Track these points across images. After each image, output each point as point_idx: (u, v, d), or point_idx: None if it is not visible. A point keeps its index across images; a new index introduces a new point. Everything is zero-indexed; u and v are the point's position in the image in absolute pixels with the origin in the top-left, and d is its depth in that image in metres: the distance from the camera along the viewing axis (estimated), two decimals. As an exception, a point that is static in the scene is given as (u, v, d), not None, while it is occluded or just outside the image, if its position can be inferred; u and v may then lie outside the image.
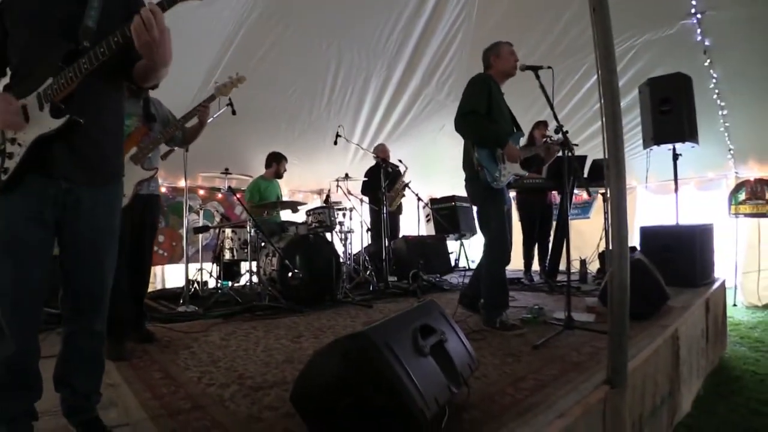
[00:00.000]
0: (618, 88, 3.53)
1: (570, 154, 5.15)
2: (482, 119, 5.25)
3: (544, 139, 7.63)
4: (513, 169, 5.36)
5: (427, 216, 11.88)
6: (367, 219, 10.15)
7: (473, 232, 11.61)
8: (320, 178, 12.56)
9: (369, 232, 9.81)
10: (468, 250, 11.33)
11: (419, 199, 10.49)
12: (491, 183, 5.22)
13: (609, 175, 3.38)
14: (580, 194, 11.86)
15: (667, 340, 4.59)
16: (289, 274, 6.74)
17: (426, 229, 11.96)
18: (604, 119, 3.46)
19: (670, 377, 4.57)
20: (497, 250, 5.31)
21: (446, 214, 11.34)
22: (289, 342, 4.97)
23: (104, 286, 2.74)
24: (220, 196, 11.33)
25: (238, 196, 7.55)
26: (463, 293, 5.78)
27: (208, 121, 5.17)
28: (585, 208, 12.58)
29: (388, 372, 2.28)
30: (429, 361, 2.58)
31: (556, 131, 5.02)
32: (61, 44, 2.50)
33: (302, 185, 12.60)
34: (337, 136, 8.67)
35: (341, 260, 7.72)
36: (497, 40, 5.73)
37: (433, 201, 11.72)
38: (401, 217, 11.05)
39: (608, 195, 3.41)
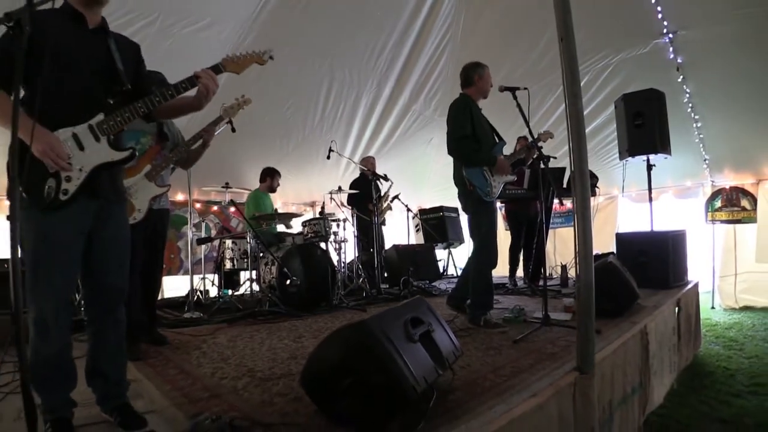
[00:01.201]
0: (582, 108, 3.97)
1: (544, 166, 5.59)
2: (471, 144, 5.77)
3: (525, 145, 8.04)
4: (503, 179, 5.86)
5: (416, 226, 12.16)
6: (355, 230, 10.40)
7: (461, 241, 11.97)
8: (312, 191, 12.94)
9: (359, 243, 10.12)
10: (455, 258, 11.73)
11: (409, 210, 10.87)
12: (484, 197, 5.72)
13: (575, 186, 3.83)
14: (564, 204, 12.26)
15: (636, 334, 5.00)
16: (288, 282, 7.11)
17: (415, 239, 12.26)
18: (569, 136, 3.89)
19: (640, 369, 4.98)
20: (486, 255, 5.79)
21: (435, 224, 11.68)
22: (291, 342, 5.34)
23: (126, 283, 3.19)
24: (215, 209, 11.67)
25: (233, 209, 7.88)
26: (451, 295, 6.23)
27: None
28: (568, 217, 12.89)
29: (384, 354, 2.68)
30: (418, 347, 2.99)
31: (531, 146, 5.50)
32: (105, 84, 2.97)
33: (296, 198, 12.91)
34: (330, 150, 9.05)
35: (336, 268, 8.03)
36: (479, 61, 6.22)
37: (422, 212, 12.02)
38: (385, 228, 11.07)
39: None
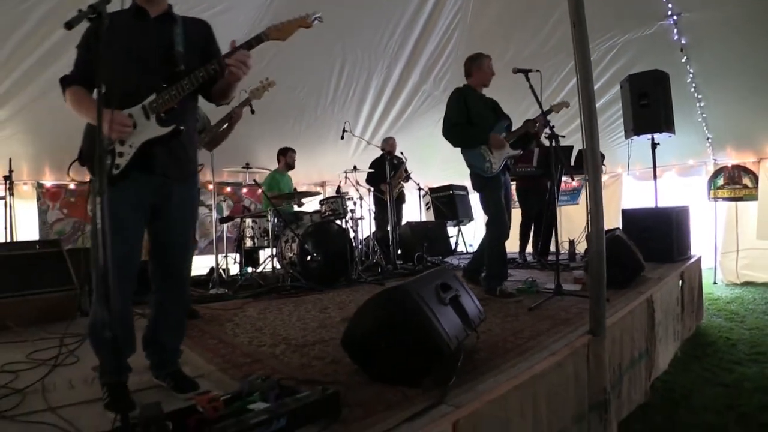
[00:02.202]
0: (593, 90, 4.20)
1: (556, 144, 5.91)
2: (462, 127, 6.29)
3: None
4: (503, 154, 6.22)
5: (427, 204, 12.34)
6: (373, 207, 10.67)
7: (470, 218, 12.15)
8: (323, 171, 13.19)
9: (375, 219, 10.37)
10: (465, 235, 11.99)
11: (420, 188, 11.12)
12: (484, 174, 6.13)
13: (587, 164, 4.12)
14: (570, 182, 12.49)
15: (643, 303, 5.28)
16: (308, 258, 7.36)
17: (426, 216, 12.44)
18: (582, 117, 4.14)
19: (647, 336, 5.27)
20: (497, 228, 6.18)
21: (445, 202, 11.87)
22: (318, 313, 5.61)
23: (189, 262, 3.48)
24: (228, 190, 11.93)
25: (245, 190, 8.08)
26: (466, 269, 6.59)
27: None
28: (574, 195, 13.10)
29: (421, 315, 2.97)
30: (449, 309, 3.28)
31: (544, 126, 5.80)
32: (160, 67, 3.21)
33: (306, 178, 13.14)
34: (344, 131, 9.29)
35: (353, 245, 8.28)
36: (479, 53, 6.68)
37: (432, 190, 12.21)
38: (404, 205, 11.55)
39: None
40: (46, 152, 9.24)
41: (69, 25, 2.38)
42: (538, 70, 5.91)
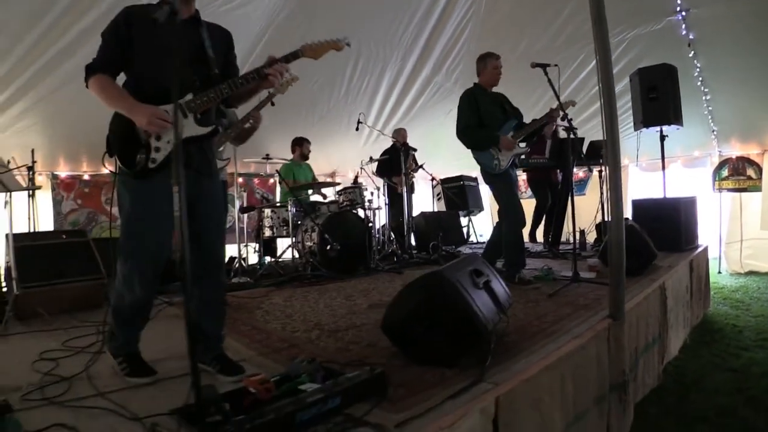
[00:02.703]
0: (614, 85, 4.43)
1: (574, 136, 6.12)
2: (474, 129, 6.58)
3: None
4: (511, 152, 6.52)
5: (438, 194, 12.47)
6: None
7: (480, 208, 12.33)
8: (332, 161, 13.36)
9: (389, 209, 10.41)
10: (475, 225, 12.16)
11: (433, 179, 11.29)
12: (493, 171, 6.49)
13: (607, 155, 4.31)
14: (577, 173, 12.65)
15: (656, 290, 5.47)
16: (328, 247, 7.48)
17: (437, 206, 12.59)
18: (603, 113, 4.35)
19: (659, 321, 5.47)
20: (512, 217, 6.48)
21: (456, 192, 12.02)
22: (344, 300, 5.77)
23: (224, 249, 3.73)
24: (240, 180, 12.10)
25: (257, 181, 8.20)
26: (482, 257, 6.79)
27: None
28: (581, 186, 13.25)
29: (460, 298, 3.15)
30: (483, 293, 3.46)
31: (562, 119, 6.01)
32: (192, 67, 3.42)
33: (317, 169, 13.12)
34: (359, 122, 9.46)
35: (372, 234, 8.43)
36: (488, 52, 6.94)
37: (443, 180, 12.32)
38: (414, 195, 11.49)
39: (606, 172, 4.33)
40: (60, 143, 9.38)
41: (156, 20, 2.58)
42: (556, 65, 6.09)
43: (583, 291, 5.50)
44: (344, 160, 12.89)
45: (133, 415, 2.64)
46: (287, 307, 5.52)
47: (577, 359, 3.56)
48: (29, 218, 8.17)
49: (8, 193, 6.16)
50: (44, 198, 9.70)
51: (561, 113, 6.57)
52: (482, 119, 6.60)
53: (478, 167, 6.75)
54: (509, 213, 6.54)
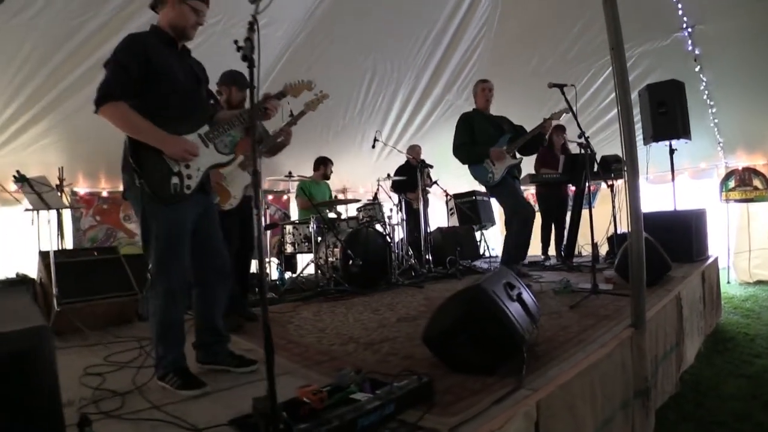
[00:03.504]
0: (631, 103, 4.65)
1: (591, 152, 6.36)
2: (466, 147, 7.40)
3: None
4: (505, 164, 7.21)
5: (450, 209, 12.63)
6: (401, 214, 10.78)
7: (492, 222, 12.45)
8: (343, 178, 13.53)
9: (407, 226, 10.51)
10: (488, 239, 12.29)
11: (447, 194, 11.47)
12: (489, 183, 7.23)
13: (627, 171, 4.56)
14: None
15: (672, 300, 5.62)
16: (350, 262, 7.64)
17: (450, 221, 12.71)
18: (621, 130, 4.60)
19: (676, 330, 5.63)
20: (522, 214, 7.31)
21: (468, 207, 12.04)
22: (372, 314, 5.89)
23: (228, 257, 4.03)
24: (270, 198, 12.21)
25: (270, 197, 8.44)
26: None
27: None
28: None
29: (498, 310, 3.34)
30: (517, 305, 3.64)
31: (579, 136, 6.24)
32: (200, 98, 3.85)
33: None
34: (375, 140, 9.67)
35: (392, 249, 8.58)
36: (480, 78, 7.93)
37: (456, 196, 12.49)
38: (429, 210, 11.65)
39: (622, 186, 4.54)
40: (80, 160, 9.53)
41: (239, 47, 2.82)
42: (573, 85, 6.32)
43: (603, 302, 5.67)
44: (355, 176, 13.08)
45: (193, 426, 2.77)
46: (318, 322, 5.66)
47: (604, 366, 3.73)
48: (57, 235, 8.33)
49: (36, 211, 6.35)
50: (63, 214, 9.87)
51: (554, 122, 6.98)
52: (475, 137, 7.31)
53: (484, 183, 7.15)
54: (519, 211, 7.23)
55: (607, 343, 4.00)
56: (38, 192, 5.97)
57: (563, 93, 6.35)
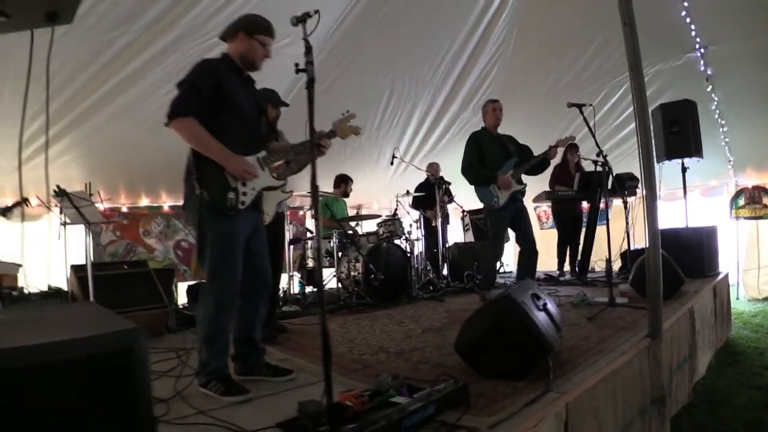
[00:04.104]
0: (650, 127, 4.84)
1: (608, 169, 6.57)
2: (475, 168, 7.68)
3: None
4: (509, 191, 7.53)
5: (465, 225, 12.80)
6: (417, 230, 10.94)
7: (507, 239, 12.70)
8: (359, 195, 13.71)
9: (426, 241, 10.69)
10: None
11: (464, 211, 11.67)
12: (494, 206, 7.53)
13: (645, 190, 4.77)
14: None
15: (686, 313, 5.82)
16: (371, 276, 7.83)
17: (465, 237, 12.90)
18: (639, 149, 4.83)
19: (689, 342, 5.82)
20: (493, 250, 8.07)
21: (484, 223, 12.10)
22: (396, 326, 6.06)
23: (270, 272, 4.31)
24: (289, 213, 12.37)
25: (301, 212, 8.61)
26: None
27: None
28: (600, 217, 13.60)
29: (527, 319, 3.55)
30: (543, 314, 3.85)
31: (597, 154, 6.46)
32: (260, 125, 4.19)
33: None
34: (394, 156, 9.87)
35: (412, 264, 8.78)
36: (489, 99, 8.29)
37: (471, 212, 12.65)
38: (448, 226, 11.80)
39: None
40: (100, 176, 9.60)
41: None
42: (591, 105, 6.54)
43: (620, 314, 5.86)
44: (370, 193, 13.29)
45: (242, 429, 2.91)
46: (346, 333, 5.80)
47: (624, 374, 3.94)
48: (90, 249, 8.49)
49: (63, 226, 6.55)
50: (81, 229, 10.03)
51: (560, 149, 7.28)
52: (484, 158, 7.60)
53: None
54: (492, 246, 7.90)
55: (626, 351, 4.20)
56: (77, 206, 6.11)
57: (582, 113, 6.57)
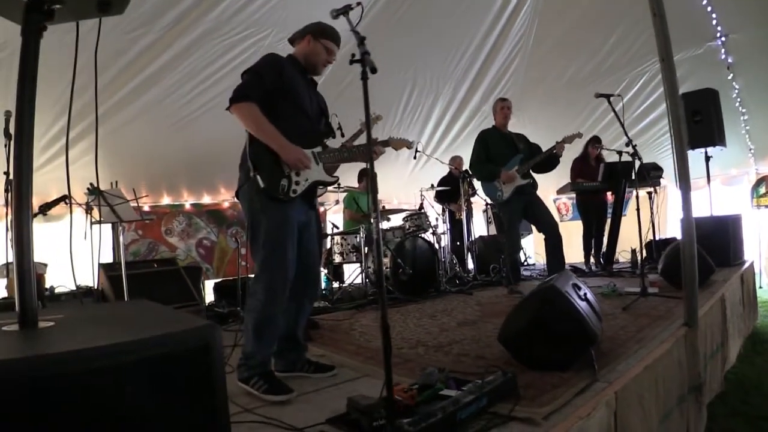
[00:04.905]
0: (683, 118, 4.85)
1: (639, 159, 6.59)
2: (481, 164, 7.85)
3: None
4: (513, 184, 7.58)
5: (488, 219, 12.79)
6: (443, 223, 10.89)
7: (529, 231, 12.60)
8: (380, 189, 13.79)
9: (451, 235, 10.69)
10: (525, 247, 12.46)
11: (488, 204, 11.67)
12: (498, 200, 7.64)
13: (679, 179, 4.81)
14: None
15: (718, 301, 5.86)
16: (400, 270, 7.88)
17: (488, 230, 12.90)
18: (672, 140, 4.85)
19: (721, 330, 5.86)
20: (508, 241, 7.81)
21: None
22: (429, 320, 6.06)
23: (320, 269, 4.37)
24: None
25: (322, 208, 8.65)
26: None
27: None
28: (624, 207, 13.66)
29: (573, 309, 3.58)
30: (586, 304, 3.87)
31: (627, 144, 6.48)
32: (318, 124, 4.21)
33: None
34: (417, 151, 9.87)
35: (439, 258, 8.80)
36: (499, 97, 8.30)
37: (492, 205, 12.64)
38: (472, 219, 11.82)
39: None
40: (120, 175, 9.55)
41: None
42: (619, 95, 6.57)
43: (653, 304, 5.89)
44: (389, 188, 13.29)
45: (291, 426, 2.88)
46: (379, 328, 5.74)
47: (665, 362, 3.97)
48: (116, 248, 8.51)
49: (91, 225, 6.56)
50: (104, 228, 10.03)
51: (566, 145, 7.38)
52: (490, 156, 7.75)
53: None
54: (507, 239, 7.85)
55: (665, 340, 4.24)
56: (110, 204, 6.14)
57: (609, 102, 6.66)
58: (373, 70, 2.87)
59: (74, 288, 6.54)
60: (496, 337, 3.96)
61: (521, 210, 7.67)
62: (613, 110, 6.52)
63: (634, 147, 6.49)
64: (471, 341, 4.76)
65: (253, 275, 3.91)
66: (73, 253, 2.99)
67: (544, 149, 7.84)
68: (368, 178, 2.86)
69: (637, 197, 6.80)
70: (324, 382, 3.86)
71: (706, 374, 5.06)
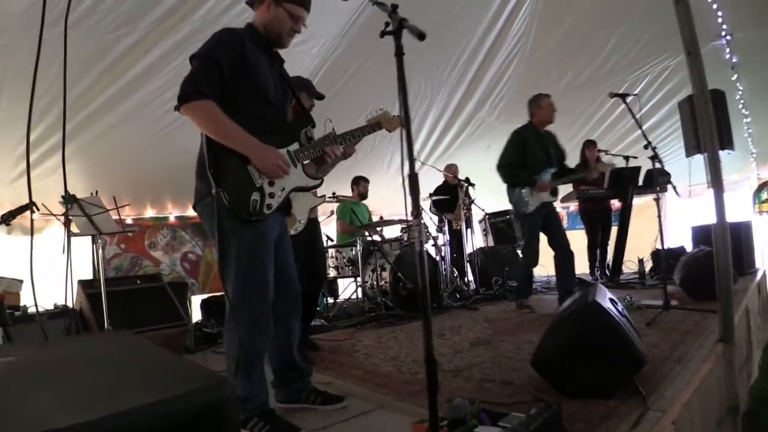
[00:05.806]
0: (712, 116, 4.51)
1: (660, 164, 6.28)
2: (514, 168, 7.10)
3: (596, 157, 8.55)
4: (541, 198, 7.01)
5: (484, 229, 12.50)
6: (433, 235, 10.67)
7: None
8: (369, 199, 13.51)
9: (450, 246, 10.24)
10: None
11: (486, 214, 11.36)
12: (524, 210, 7.03)
13: (712, 183, 4.49)
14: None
15: (743, 313, 5.51)
16: (400, 285, 7.49)
17: (484, 241, 12.59)
18: (702, 140, 4.58)
19: (746, 343, 5.52)
20: (526, 256, 7.27)
21: (502, 227, 11.91)
22: (438, 339, 5.55)
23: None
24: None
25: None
26: (559, 296, 6.98)
27: None
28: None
29: (618, 328, 3.21)
30: (625, 320, 3.51)
31: (645, 147, 6.16)
32: (287, 112, 3.63)
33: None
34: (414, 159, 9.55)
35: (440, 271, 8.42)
36: (539, 93, 7.36)
37: (490, 215, 12.38)
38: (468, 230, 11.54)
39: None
40: (102, 187, 9.19)
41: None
42: (636, 95, 6.29)
43: (678, 318, 5.57)
44: (380, 198, 12.95)
45: None
46: (386, 348, 5.42)
47: (709, 382, 3.62)
48: (96, 263, 8.08)
49: (68, 239, 6.10)
50: (85, 241, 9.68)
51: (597, 174, 7.41)
52: (526, 159, 7.07)
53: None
54: (525, 252, 7.36)
55: (706, 358, 3.90)
56: (88, 215, 5.62)
57: (625, 102, 6.39)
58: (421, 36, 2.45)
59: (51, 308, 6.16)
60: (519, 358, 3.67)
61: (541, 223, 7.22)
62: (629, 109, 6.25)
63: (654, 149, 6.14)
64: (491, 364, 4.37)
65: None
66: (47, 269, 2.59)
67: None
68: (409, 175, 2.43)
69: (659, 205, 6.46)
70: (334, 416, 3.40)
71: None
